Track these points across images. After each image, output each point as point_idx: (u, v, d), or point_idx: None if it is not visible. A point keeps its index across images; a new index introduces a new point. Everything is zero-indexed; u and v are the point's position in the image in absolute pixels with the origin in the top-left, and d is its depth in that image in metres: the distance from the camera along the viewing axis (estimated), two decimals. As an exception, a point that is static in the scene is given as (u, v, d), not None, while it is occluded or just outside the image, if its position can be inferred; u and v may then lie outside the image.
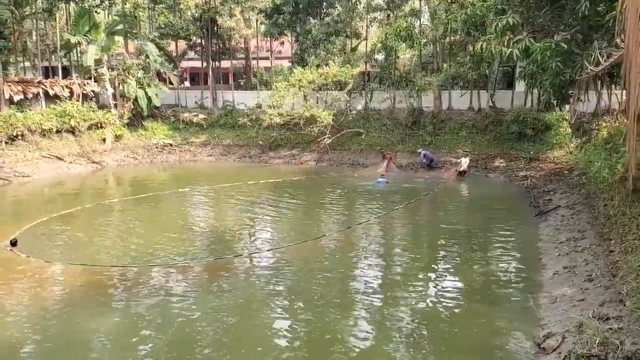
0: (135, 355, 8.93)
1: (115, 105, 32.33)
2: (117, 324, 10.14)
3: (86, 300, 11.21)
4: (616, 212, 13.56)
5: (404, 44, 32.05)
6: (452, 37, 30.48)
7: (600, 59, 13.20)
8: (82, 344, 9.32)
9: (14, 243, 14.40)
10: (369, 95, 33.03)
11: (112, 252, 14.45)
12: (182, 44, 39.82)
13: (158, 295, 11.42)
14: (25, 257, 13.69)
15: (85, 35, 32.46)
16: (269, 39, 38.40)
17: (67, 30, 35.07)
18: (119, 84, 32.59)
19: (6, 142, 26.05)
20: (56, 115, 28.85)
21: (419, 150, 27.10)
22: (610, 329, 8.18)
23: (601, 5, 13.71)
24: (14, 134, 26.48)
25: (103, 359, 8.95)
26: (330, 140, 30.00)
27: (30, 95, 28.88)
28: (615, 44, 12.68)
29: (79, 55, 35.64)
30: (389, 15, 33.40)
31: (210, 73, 37.25)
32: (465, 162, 25.07)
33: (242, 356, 8.91)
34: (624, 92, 12.65)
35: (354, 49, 36.75)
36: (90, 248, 14.86)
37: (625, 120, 13.78)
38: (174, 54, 39.20)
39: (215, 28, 36.17)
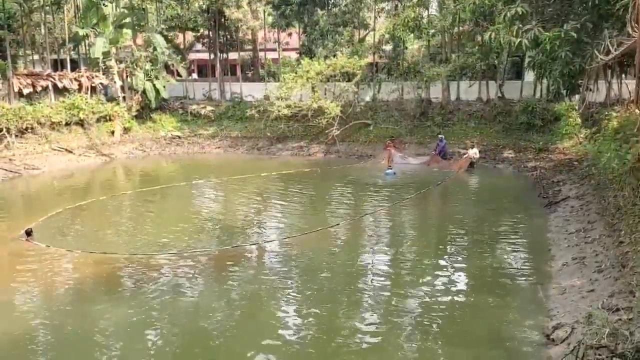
0: (144, 346, 9.01)
1: (124, 98, 32.42)
2: (129, 313, 10.24)
3: (100, 289, 11.45)
4: (626, 203, 13.47)
5: (412, 35, 31.90)
6: (460, 27, 30.26)
7: (611, 48, 13.07)
8: (93, 333, 9.42)
9: (29, 233, 14.54)
10: (377, 87, 32.88)
11: (127, 242, 14.67)
12: (189, 36, 39.84)
13: (170, 285, 11.54)
14: (45, 247, 13.91)
15: (93, 28, 32.52)
16: (276, 30, 38.31)
17: (75, 23, 35.19)
18: (127, 76, 32.66)
19: (16, 135, 26.21)
20: (65, 108, 28.96)
21: (440, 136, 27.01)
22: (620, 320, 8.15)
23: (612, -7, 13.57)
24: (24, 127, 26.63)
25: (113, 348, 9.03)
26: (338, 132, 29.92)
27: (39, 89, 29.01)
28: (626, 33, 12.55)
29: (87, 48, 35.75)
30: (396, 6, 33.17)
31: (218, 65, 37.25)
32: (473, 152, 24.95)
33: (250, 347, 8.95)
34: (635, 81, 12.52)
35: (361, 40, 36.57)
36: (106, 238, 15.08)
37: (636, 110, 13.66)
38: (182, 46, 39.22)
39: (223, 20, 36.15)
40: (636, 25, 11.26)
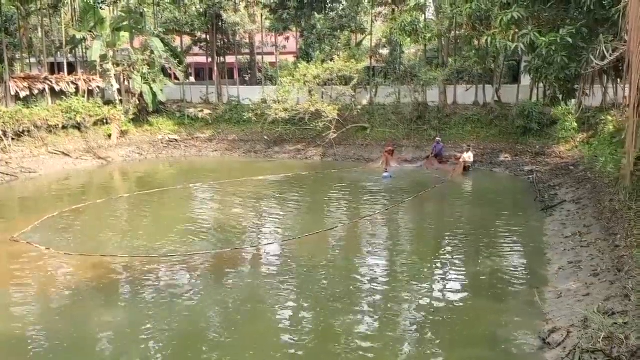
0: (140, 350, 9.00)
1: (121, 101, 32.39)
2: (126, 316, 10.30)
3: (98, 292, 11.46)
4: (622, 207, 13.57)
5: (409, 39, 31.98)
6: (457, 32, 30.39)
7: (606, 53, 13.13)
8: (90, 336, 9.44)
9: None
10: (374, 90, 32.98)
11: (125, 244, 14.63)
12: (187, 39, 39.85)
13: (167, 288, 11.56)
14: (45, 249, 13.96)
15: (90, 31, 32.47)
16: (273, 34, 38.37)
17: (73, 26, 35.10)
18: (124, 79, 32.65)
19: (13, 138, 26.16)
20: (62, 111, 28.90)
21: (437, 139, 27.13)
22: (616, 323, 8.19)
23: (607, -2, 13.65)
24: (20, 130, 26.56)
25: (109, 352, 9.04)
26: (335, 135, 30.01)
27: (36, 91, 28.93)
28: (622, 38, 12.62)
29: (84, 51, 35.72)
30: (393, 10, 33.25)
31: (216, 68, 37.26)
32: (468, 156, 25.04)
33: (247, 352, 8.96)
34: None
35: (358, 44, 36.67)
36: (104, 241, 15.06)
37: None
38: (179, 49, 39.20)
39: (220, 23, 36.11)
40: (626, 30, 11.34)
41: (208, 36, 37.61)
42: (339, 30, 34.26)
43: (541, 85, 26.16)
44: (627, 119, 12.28)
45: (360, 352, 8.86)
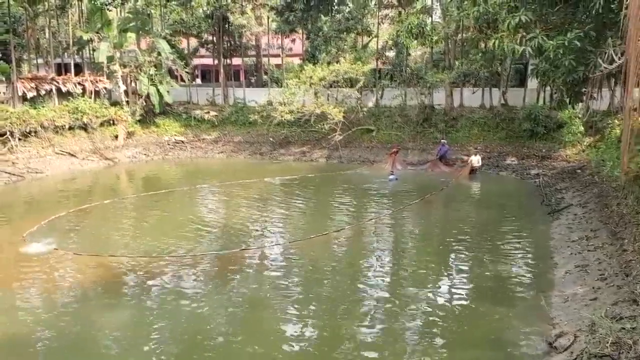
0: (143, 351, 9.01)
1: (128, 102, 32.50)
2: (131, 317, 10.36)
3: (104, 292, 11.51)
4: (630, 211, 13.50)
5: (415, 41, 31.97)
6: (464, 34, 30.36)
7: (614, 56, 13.09)
8: (95, 336, 9.48)
9: None
10: (380, 93, 32.96)
11: (132, 245, 14.70)
12: (193, 41, 39.98)
13: (172, 289, 11.59)
14: (53, 249, 14.03)
15: (97, 32, 32.63)
16: (279, 36, 38.44)
17: (80, 27, 35.27)
18: (131, 81, 32.75)
19: (20, 139, 26.25)
20: (69, 112, 28.99)
21: (443, 141, 27.11)
22: (623, 328, 8.14)
23: (615, 2, 13.59)
24: (27, 131, 26.65)
25: (113, 352, 9.06)
26: (341, 137, 29.99)
27: (43, 92, 28.99)
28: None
29: (91, 52, 35.87)
30: (400, 13, 33.28)
31: (222, 70, 37.33)
32: (476, 159, 25.00)
33: (248, 355, 8.95)
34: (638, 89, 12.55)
35: (365, 46, 36.70)
36: (110, 241, 15.15)
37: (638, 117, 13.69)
38: (186, 51, 39.33)
39: (227, 25, 36.25)
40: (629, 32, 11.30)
41: (214, 38, 37.67)
42: (345, 33, 34.28)
43: (548, 88, 26.10)
44: (634, 123, 12.24)
45: (364, 356, 8.84)
